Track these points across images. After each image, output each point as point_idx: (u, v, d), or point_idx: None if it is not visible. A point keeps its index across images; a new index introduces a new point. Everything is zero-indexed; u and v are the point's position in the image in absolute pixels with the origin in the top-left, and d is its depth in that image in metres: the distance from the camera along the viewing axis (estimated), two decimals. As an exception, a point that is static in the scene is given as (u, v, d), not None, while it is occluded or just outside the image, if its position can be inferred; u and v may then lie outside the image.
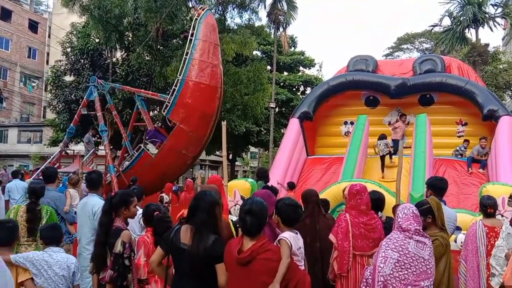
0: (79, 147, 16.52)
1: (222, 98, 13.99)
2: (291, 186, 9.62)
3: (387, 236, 3.56)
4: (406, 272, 3.28)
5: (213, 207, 3.11)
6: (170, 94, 13.40)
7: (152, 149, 15.29)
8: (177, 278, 3.18)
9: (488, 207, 4.39)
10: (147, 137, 14.66)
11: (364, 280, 3.64)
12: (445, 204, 4.88)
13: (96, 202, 4.68)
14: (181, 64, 13.31)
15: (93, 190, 4.90)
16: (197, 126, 13.13)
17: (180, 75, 13.09)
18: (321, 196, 5.87)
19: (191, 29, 13.39)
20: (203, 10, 13.61)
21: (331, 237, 4.32)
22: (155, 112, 23.43)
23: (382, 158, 11.04)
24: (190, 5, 20.37)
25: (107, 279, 3.58)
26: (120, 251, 3.60)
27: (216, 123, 13.66)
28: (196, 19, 13.30)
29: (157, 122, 15.31)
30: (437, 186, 4.86)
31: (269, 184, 8.06)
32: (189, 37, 13.27)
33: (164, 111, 13.54)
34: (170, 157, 13.10)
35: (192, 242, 3.02)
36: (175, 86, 13.11)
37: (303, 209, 3.68)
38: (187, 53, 13.08)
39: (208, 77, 13.02)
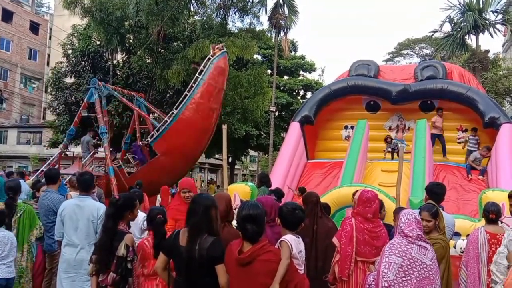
0: (79, 149, 16.52)
1: (211, 138, 14.02)
2: (302, 191, 9.56)
3: (390, 241, 3.57)
4: (409, 277, 3.29)
5: (207, 210, 3.16)
6: (161, 123, 13.42)
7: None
8: (178, 280, 3.23)
9: (490, 213, 4.40)
10: (131, 150, 14.63)
11: (367, 286, 3.64)
12: (443, 209, 4.90)
13: (99, 205, 4.67)
14: (181, 99, 13.32)
15: (86, 192, 4.76)
16: (177, 163, 13.25)
17: (175, 109, 13.09)
18: (321, 200, 5.86)
19: (201, 66, 13.32)
20: (220, 50, 13.39)
21: (335, 240, 4.31)
22: (155, 115, 23.48)
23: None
24: (192, 9, 20.45)
25: (110, 282, 3.59)
26: (124, 254, 3.62)
27: (197, 161, 13.81)
28: (209, 58, 13.16)
29: (145, 139, 15.21)
30: (433, 192, 4.89)
31: (273, 188, 8.07)
32: (197, 74, 13.20)
33: (149, 138, 13.60)
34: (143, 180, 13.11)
35: (187, 243, 3.09)
36: (168, 118, 13.12)
37: (304, 212, 3.66)
38: (190, 89, 13.06)
39: (202, 119, 13.02)
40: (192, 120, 12.88)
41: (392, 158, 11.71)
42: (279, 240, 3.31)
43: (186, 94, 13.03)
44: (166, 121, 13.12)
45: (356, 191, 4.60)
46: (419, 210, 4.19)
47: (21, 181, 8.83)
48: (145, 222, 4.42)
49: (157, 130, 13.22)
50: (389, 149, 12.04)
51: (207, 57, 13.37)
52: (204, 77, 12.92)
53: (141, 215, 4.66)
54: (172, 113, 13.15)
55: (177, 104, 13.38)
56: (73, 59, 21.98)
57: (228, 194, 4.27)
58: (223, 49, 13.61)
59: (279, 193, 7.44)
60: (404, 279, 3.28)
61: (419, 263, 3.32)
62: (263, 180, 8.41)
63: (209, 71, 12.96)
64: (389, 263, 3.33)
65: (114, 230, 3.78)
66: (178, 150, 12.84)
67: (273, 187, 8.48)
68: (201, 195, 3.36)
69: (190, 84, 13.23)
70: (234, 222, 4.21)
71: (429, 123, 11.40)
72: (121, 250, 3.62)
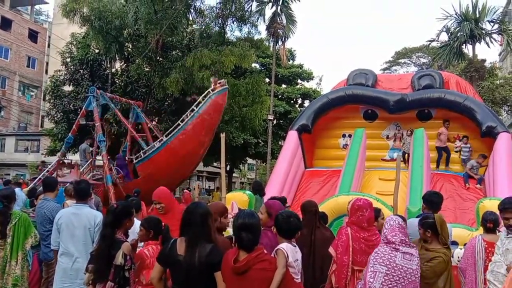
0: (77, 157, 16.50)
1: (195, 168, 14.19)
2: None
3: (374, 250, 3.61)
4: (395, 284, 3.37)
5: (205, 218, 3.20)
6: (149, 147, 13.71)
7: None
8: None
9: (488, 222, 4.40)
10: (116, 162, 14.62)
11: None
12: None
13: (96, 213, 4.65)
14: (172, 128, 13.63)
15: (83, 200, 4.74)
16: (158, 185, 13.21)
17: (165, 137, 13.37)
18: (319, 209, 5.86)
19: (201, 96, 13.47)
20: (221, 86, 13.41)
21: (331, 250, 4.30)
22: (154, 122, 23.49)
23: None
24: (190, 18, 20.54)
25: None
26: (122, 263, 3.61)
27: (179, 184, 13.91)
28: (209, 92, 13.27)
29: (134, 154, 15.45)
30: (430, 200, 4.88)
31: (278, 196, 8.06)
32: (193, 106, 13.40)
33: (135, 159, 13.87)
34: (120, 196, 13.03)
35: (186, 252, 3.11)
36: (157, 143, 13.45)
37: (300, 221, 3.67)
38: (182, 120, 13.29)
39: (189, 152, 13.20)
40: (179, 151, 13.07)
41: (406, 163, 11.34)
42: (275, 249, 3.31)
43: (179, 124, 13.28)
44: (154, 146, 13.43)
45: (350, 201, 4.61)
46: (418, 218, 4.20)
47: (18, 189, 8.84)
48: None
49: (144, 153, 13.51)
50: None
51: (208, 90, 13.51)
52: (200, 110, 13.09)
53: (138, 223, 4.65)
54: (162, 139, 13.42)
55: (168, 131, 13.66)
56: (72, 67, 22.00)
57: (222, 205, 4.27)
58: (225, 85, 13.70)
59: (282, 201, 7.45)
60: (390, 285, 3.36)
61: (404, 270, 3.40)
62: (257, 189, 8.41)
63: (205, 105, 13.10)
64: (374, 273, 3.43)
65: (112, 239, 3.77)
66: (158, 177, 12.73)
67: (271, 194, 8.48)
68: (196, 205, 3.37)
69: (186, 113, 13.46)
70: (229, 230, 4.23)
71: (426, 132, 11.43)
72: (119, 259, 3.62)
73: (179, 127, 13.15)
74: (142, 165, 13.41)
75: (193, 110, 13.21)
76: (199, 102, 13.18)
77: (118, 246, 3.69)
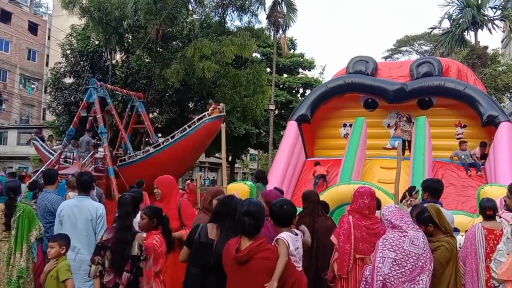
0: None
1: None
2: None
3: (382, 236, 3.63)
4: (403, 270, 3.43)
5: (236, 212, 3.38)
6: (142, 151, 14.39)
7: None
8: (194, 273, 3.44)
9: (487, 209, 4.40)
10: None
11: (364, 279, 3.69)
12: (441, 205, 4.88)
13: (98, 205, 4.68)
14: (166, 140, 14.35)
15: (85, 192, 4.76)
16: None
17: (153, 148, 14.09)
18: (320, 198, 5.87)
19: (196, 118, 14.06)
20: (219, 111, 13.86)
21: (333, 238, 4.32)
22: (155, 114, 23.50)
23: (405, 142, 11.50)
24: (190, 8, 20.44)
25: (124, 282, 3.59)
26: (138, 253, 3.64)
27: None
28: (205, 115, 13.82)
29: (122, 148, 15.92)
30: (433, 188, 4.86)
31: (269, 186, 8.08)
32: (187, 124, 14.03)
33: (123, 158, 14.40)
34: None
35: (220, 239, 3.33)
36: (146, 151, 14.12)
37: (294, 207, 3.66)
38: (172, 137, 13.96)
39: (172, 167, 13.13)
40: (161, 164, 13.24)
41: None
42: (275, 239, 3.33)
43: (168, 139, 14.02)
44: (140, 154, 14.10)
45: (355, 188, 4.63)
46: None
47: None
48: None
49: (129, 158, 14.06)
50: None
51: (203, 114, 14.09)
52: (191, 131, 13.66)
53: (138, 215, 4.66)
54: (148, 150, 14.05)
55: (156, 144, 14.39)
56: (72, 59, 21.99)
57: (219, 188, 4.36)
58: (223, 112, 14.18)
59: (280, 191, 7.48)
60: (398, 271, 3.42)
61: (412, 255, 3.46)
62: (260, 177, 8.44)
63: (198, 128, 13.69)
64: (383, 258, 3.47)
65: (132, 229, 3.81)
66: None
67: (272, 185, 8.49)
68: (231, 199, 3.62)
69: (179, 130, 14.07)
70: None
71: (428, 120, 11.37)
72: (135, 250, 3.64)
73: (169, 142, 13.81)
74: (125, 169, 13.88)
75: (185, 129, 13.83)
76: (194, 122, 13.77)
77: (133, 237, 3.73)
